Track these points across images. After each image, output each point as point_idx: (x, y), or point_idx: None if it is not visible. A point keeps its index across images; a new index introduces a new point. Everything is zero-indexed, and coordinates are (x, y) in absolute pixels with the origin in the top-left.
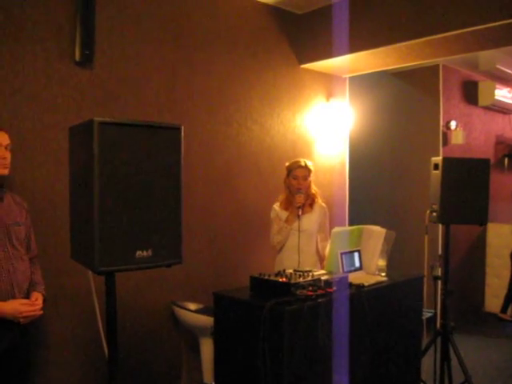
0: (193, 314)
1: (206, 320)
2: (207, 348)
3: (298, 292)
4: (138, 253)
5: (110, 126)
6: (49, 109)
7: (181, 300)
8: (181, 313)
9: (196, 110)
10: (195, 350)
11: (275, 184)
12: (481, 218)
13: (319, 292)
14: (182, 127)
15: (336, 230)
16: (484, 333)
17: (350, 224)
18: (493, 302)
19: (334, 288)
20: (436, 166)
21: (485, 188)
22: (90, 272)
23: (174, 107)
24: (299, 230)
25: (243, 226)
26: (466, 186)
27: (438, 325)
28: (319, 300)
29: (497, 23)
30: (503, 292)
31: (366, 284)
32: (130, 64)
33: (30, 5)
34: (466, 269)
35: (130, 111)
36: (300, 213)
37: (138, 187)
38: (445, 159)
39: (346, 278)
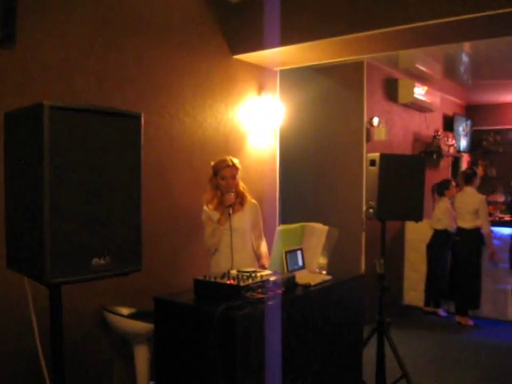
0: (126, 319)
1: (141, 326)
2: (142, 355)
3: (247, 295)
4: (95, 260)
5: (62, 111)
6: None
7: (112, 304)
8: (112, 318)
9: (126, 99)
10: (128, 357)
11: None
12: (416, 214)
13: (269, 294)
14: (143, 115)
15: (280, 228)
16: (406, 326)
17: (282, 221)
18: (411, 295)
19: (283, 289)
20: (373, 162)
21: (420, 184)
22: (25, 279)
23: (104, 96)
24: (231, 229)
25: (176, 223)
26: (403, 183)
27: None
28: (269, 302)
29: (419, 24)
30: (421, 285)
31: (312, 283)
32: (56, 46)
33: None
34: (387, 264)
35: (55, 99)
36: (231, 211)
37: (93, 184)
38: (382, 155)
39: (293, 277)
